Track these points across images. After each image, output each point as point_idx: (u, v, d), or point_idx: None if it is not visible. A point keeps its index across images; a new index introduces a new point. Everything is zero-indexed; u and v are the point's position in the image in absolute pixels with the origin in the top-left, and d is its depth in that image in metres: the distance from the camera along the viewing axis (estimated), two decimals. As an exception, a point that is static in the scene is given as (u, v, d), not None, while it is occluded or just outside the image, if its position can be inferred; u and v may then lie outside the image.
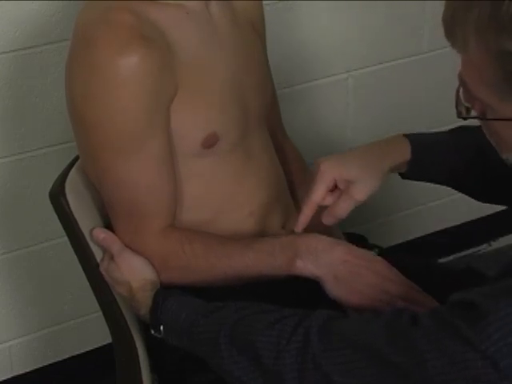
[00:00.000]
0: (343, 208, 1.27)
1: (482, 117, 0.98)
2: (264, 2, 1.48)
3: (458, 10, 0.94)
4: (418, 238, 2.40)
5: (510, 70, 0.89)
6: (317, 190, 1.27)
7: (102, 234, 1.32)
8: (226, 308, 1.17)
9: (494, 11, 0.88)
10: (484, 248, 2.53)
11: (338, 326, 1.05)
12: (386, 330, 0.99)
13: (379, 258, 1.27)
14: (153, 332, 1.24)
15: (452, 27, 0.96)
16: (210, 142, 1.29)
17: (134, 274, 1.28)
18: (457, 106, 1.02)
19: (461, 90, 0.99)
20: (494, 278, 0.98)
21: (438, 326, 0.94)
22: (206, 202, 1.34)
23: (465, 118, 1.01)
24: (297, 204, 1.49)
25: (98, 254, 1.33)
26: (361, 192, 1.26)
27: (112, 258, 1.30)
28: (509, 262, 0.99)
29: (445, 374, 0.93)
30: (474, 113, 1.00)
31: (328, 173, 1.27)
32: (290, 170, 1.52)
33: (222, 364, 1.13)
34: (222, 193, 1.35)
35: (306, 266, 1.24)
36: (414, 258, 1.54)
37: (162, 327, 1.22)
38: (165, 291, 1.25)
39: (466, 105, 0.99)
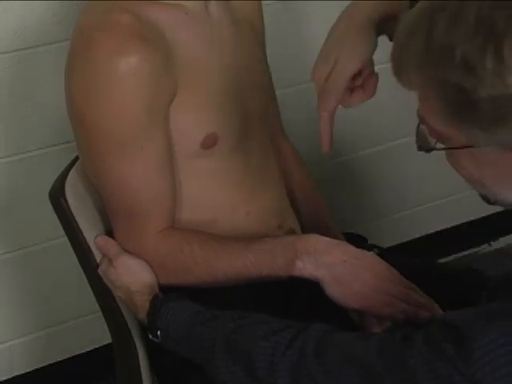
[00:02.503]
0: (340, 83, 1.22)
1: (438, 148, 0.97)
2: (264, 2, 1.48)
3: (399, 46, 0.94)
4: (418, 238, 2.40)
5: (454, 100, 0.88)
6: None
7: (102, 240, 1.32)
8: (223, 317, 1.16)
9: (427, 43, 0.88)
10: (484, 248, 2.54)
11: (334, 342, 1.04)
12: (379, 348, 0.98)
13: (379, 258, 1.27)
14: (150, 336, 1.24)
15: (396, 65, 0.95)
16: (209, 143, 1.29)
17: (132, 277, 1.28)
18: (416, 141, 1.02)
19: (421, 126, 1.00)
20: (498, 281, 0.98)
21: (428, 347, 0.94)
22: (205, 202, 1.34)
23: (427, 151, 1.01)
24: (295, 204, 1.49)
25: (97, 255, 1.33)
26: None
27: (110, 261, 1.30)
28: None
29: None
30: (433, 145, 0.99)
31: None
32: (289, 170, 1.52)
33: (218, 373, 1.13)
34: (221, 193, 1.35)
35: (305, 267, 1.23)
36: (413, 258, 1.54)
37: (159, 332, 1.22)
38: (162, 296, 1.25)
39: (431, 139, 0.98)
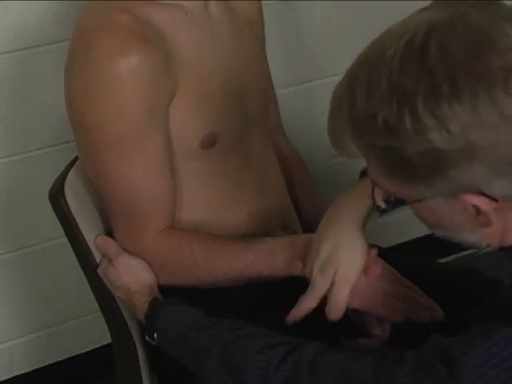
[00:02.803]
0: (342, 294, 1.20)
1: (395, 205, 0.99)
2: (264, 2, 1.48)
3: (331, 122, 1.00)
4: (418, 238, 2.40)
5: (388, 161, 0.91)
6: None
7: (101, 241, 1.32)
8: (220, 326, 1.16)
9: (352, 114, 0.92)
10: (484, 248, 2.53)
11: (329, 360, 1.04)
12: (373, 367, 0.99)
13: (378, 258, 1.27)
14: (147, 338, 1.24)
15: (333, 139, 1.01)
16: (208, 143, 1.29)
17: (132, 276, 1.28)
18: (374, 203, 1.04)
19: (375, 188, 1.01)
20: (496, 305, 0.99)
21: (420, 367, 0.95)
22: (205, 202, 1.34)
23: (383, 211, 1.04)
24: (296, 204, 1.49)
25: (97, 255, 1.33)
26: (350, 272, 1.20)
27: (110, 261, 1.30)
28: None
29: None
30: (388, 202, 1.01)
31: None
32: (289, 170, 1.52)
33: (210, 382, 1.13)
34: (221, 193, 1.35)
35: (305, 267, 1.24)
36: (413, 258, 1.54)
37: (155, 334, 1.22)
38: (161, 299, 1.25)
39: (388, 198, 1.00)
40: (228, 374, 1.10)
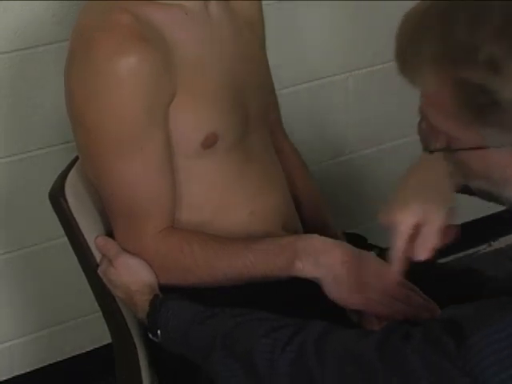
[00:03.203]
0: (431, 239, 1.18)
1: (447, 149, 0.96)
2: (264, 2, 1.48)
3: (409, 44, 0.92)
4: (418, 237, 2.40)
5: (467, 99, 0.87)
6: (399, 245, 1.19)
7: (102, 241, 1.32)
8: (222, 314, 1.17)
9: (445, 42, 0.87)
10: (484, 248, 2.53)
11: (334, 339, 1.04)
12: (379, 345, 0.98)
13: (378, 259, 1.27)
14: (150, 336, 1.24)
15: (403, 62, 0.94)
16: (209, 142, 1.29)
17: (132, 276, 1.28)
18: (421, 140, 1.00)
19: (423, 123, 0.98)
20: (499, 282, 0.98)
21: (427, 343, 0.94)
22: (205, 202, 1.34)
23: (431, 152, 0.99)
24: (296, 204, 1.49)
25: (97, 254, 1.33)
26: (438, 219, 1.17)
27: (110, 261, 1.30)
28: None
29: None
30: (438, 145, 0.98)
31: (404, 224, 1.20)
32: (290, 170, 1.52)
33: (217, 370, 1.13)
34: (221, 193, 1.35)
35: (305, 267, 1.24)
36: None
37: (159, 331, 1.22)
38: (162, 296, 1.25)
39: (428, 139, 0.98)
40: (235, 361, 1.10)
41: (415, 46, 0.90)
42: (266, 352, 1.06)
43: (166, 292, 1.28)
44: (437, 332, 0.93)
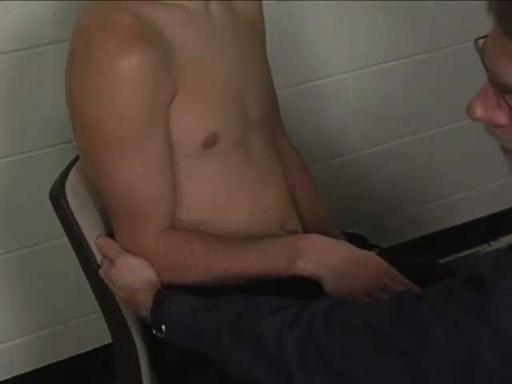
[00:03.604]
0: None
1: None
2: (264, 2, 1.48)
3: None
4: (418, 237, 2.40)
5: None
6: None
7: (102, 241, 1.32)
8: (227, 301, 1.17)
9: None
10: (484, 248, 2.53)
11: (342, 311, 1.04)
12: (391, 309, 0.98)
13: (379, 258, 1.27)
14: (154, 332, 1.24)
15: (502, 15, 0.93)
16: (210, 142, 1.29)
17: (134, 275, 1.28)
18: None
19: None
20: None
21: (443, 298, 0.94)
22: (206, 201, 1.34)
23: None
24: (296, 204, 1.49)
25: (98, 255, 1.33)
26: None
27: (111, 261, 1.30)
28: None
29: (444, 349, 0.93)
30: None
31: None
32: (290, 170, 1.52)
33: (226, 356, 1.13)
34: (222, 193, 1.35)
35: (306, 267, 1.24)
36: (413, 258, 1.54)
37: (163, 327, 1.22)
38: (165, 291, 1.26)
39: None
40: (244, 344, 1.10)
41: None
42: (274, 330, 1.07)
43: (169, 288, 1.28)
44: (453, 286, 0.93)
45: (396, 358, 0.97)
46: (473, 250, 2.51)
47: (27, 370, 2.01)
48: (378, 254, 1.29)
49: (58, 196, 1.33)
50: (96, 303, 1.40)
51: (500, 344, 0.90)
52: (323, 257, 1.24)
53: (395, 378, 0.98)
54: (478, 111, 0.97)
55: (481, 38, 0.97)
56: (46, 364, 2.03)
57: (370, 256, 1.28)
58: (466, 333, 0.91)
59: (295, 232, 1.42)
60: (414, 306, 0.96)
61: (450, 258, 2.43)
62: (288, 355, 1.05)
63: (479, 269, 0.94)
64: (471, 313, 0.91)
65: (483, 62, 0.95)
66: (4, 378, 1.98)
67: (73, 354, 2.05)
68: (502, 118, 0.97)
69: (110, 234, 1.34)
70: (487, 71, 0.94)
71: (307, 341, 1.04)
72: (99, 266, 1.32)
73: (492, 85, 0.95)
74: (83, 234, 1.32)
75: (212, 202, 1.34)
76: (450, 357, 0.93)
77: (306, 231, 1.46)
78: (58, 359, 2.04)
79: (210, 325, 1.15)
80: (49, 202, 1.35)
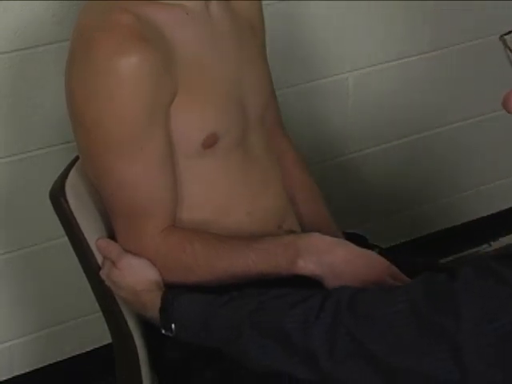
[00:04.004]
0: None
1: None
2: (264, 2, 1.48)
3: None
4: (418, 237, 2.40)
5: None
6: None
7: (103, 243, 1.32)
8: (241, 297, 1.17)
9: None
10: (484, 248, 2.54)
11: (367, 296, 1.04)
12: (424, 288, 0.98)
13: (380, 257, 1.27)
14: (163, 331, 1.23)
15: None
16: (210, 142, 1.29)
17: (137, 276, 1.28)
18: None
19: None
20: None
21: (478, 276, 0.94)
22: (205, 201, 1.34)
23: None
24: (296, 204, 1.49)
25: (98, 255, 1.33)
26: None
27: (113, 263, 1.30)
28: None
29: (478, 326, 0.92)
30: None
31: None
32: (290, 170, 1.52)
33: (244, 351, 1.12)
34: (221, 193, 1.35)
35: (307, 266, 1.24)
36: (414, 257, 1.54)
37: (173, 325, 1.21)
38: (173, 290, 1.25)
39: None
40: (267, 337, 1.09)
41: None
42: (299, 322, 1.06)
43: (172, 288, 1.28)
44: (488, 265, 0.93)
45: (433, 335, 0.95)
46: (473, 250, 2.51)
47: (27, 370, 2.01)
48: (378, 254, 1.29)
49: (58, 196, 1.33)
50: (96, 303, 1.40)
51: None
52: (324, 256, 1.24)
53: (434, 353, 0.96)
54: None
55: (505, 34, 0.96)
56: (45, 364, 2.03)
57: (372, 255, 1.28)
58: (501, 308, 0.91)
59: (293, 231, 1.42)
60: (447, 285, 0.95)
61: (450, 258, 2.43)
62: (315, 344, 1.04)
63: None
64: (508, 285, 0.90)
65: None
66: (4, 378, 1.98)
67: (73, 354, 2.05)
68: None
69: (111, 234, 1.34)
70: None
71: (335, 328, 1.02)
72: (99, 267, 1.32)
73: None
74: (83, 234, 1.32)
75: (212, 202, 1.35)
76: (484, 333, 0.92)
77: (305, 231, 1.46)
78: (58, 359, 2.04)
79: (226, 321, 1.15)
80: (49, 202, 1.35)
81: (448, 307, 0.95)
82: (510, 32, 0.96)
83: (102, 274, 1.31)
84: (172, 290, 1.25)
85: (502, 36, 0.95)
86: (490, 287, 0.92)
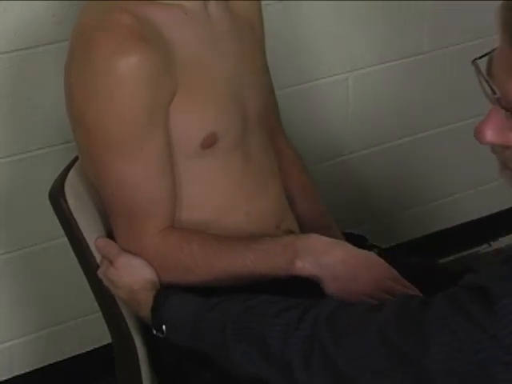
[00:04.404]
0: None
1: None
2: (264, 2, 1.48)
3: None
4: (418, 238, 2.40)
5: None
6: None
7: (102, 242, 1.32)
8: (230, 300, 1.17)
9: None
10: (484, 248, 2.54)
11: (346, 313, 1.04)
12: (397, 314, 0.98)
13: (379, 258, 1.27)
14: (155, 332, 1.23)
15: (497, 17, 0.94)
16: (209, 143, 1.29)
17: (133, 275, 1.28)
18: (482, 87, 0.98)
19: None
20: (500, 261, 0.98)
21: (449, 310, 0.94)
22: (205, 202, 1.34)
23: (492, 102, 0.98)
24: (295, 205, 1.49)
25: (97, 255, 1.33)
26: None
27: (110, 262, 1.30)
28: None
29: (449, 361, 0.93)
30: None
31: None
32: (289, 170, 1.52)
33: (230, 356, 1.13)
34: (221, 193, 1.35)
35: (305, 267, 1.24)
36: (413, 258, 1.54)
37: (164, 326, 1.22)
38: (166, 290, 1.26)
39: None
40: (249, 344, 1.10)
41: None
42: (280, 332, 1.07)
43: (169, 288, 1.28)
44: (460, 298, 0.93)
45: (400, 365, 0.97)
46: (473, 250, 2.51)
47: (27, 370, 2.01)
48: (378, 254, 1.29)
49: (57, 196, 1.33)
50: (96, 303, 1.40)
51: (508, 358, 0.90)
52: (322, 257, 1.24)
53: (399, 379, 0.98)
54: (489, 135, 0.96)
55: (478, 58, 0.96)
56: (46, 364, 2.03)
57: (371, 256, 1.28)
58: (472, 347, 0.91)
59: (291, 232, 1.42)
60: (420, 313, 0.96)
61: (450, 257, 2.43)
62: (292, 354, 1.05)
63: (484, 279, 0.93)
64: (477, 327, 0.91)
65: (488, 82, 0.94)
66: (4, 378, 1.98)
67: (73, 354, 2.05)
68: None
69: (110, 234, 1.34)
70: (494, 93, 0.94)
71: (312, 341, 1.04)
72: (98, 267, 1.32)
73: (501, 106, 0.94)
74: (82, 234, 1.32)
75: (212, 202, 1.35)
76: (456, 370, 0.93)
77: (304, 231, 1.46)
78: (58, 359, 2.04)
79: (213, 325, 1.15)
80: (49, 202, 1.35)
81: (419, 337, 0.95)
82: (482, 56, 0.96)
83: (99, 272, 1.32)
84: (165, 291, 1.25)
85: (474, 60, 0.95)
86: (461, 324, 0.92)
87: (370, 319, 1.01)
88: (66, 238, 1.37)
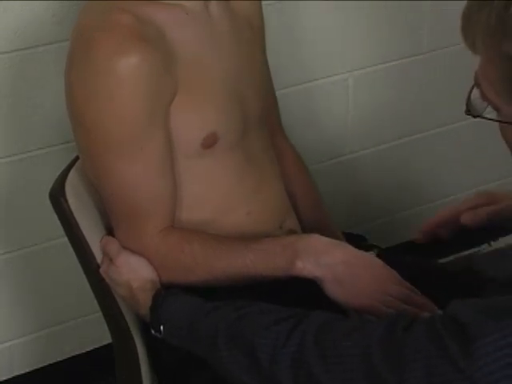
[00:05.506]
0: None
1: (491, 119, 0.98)
2: (264, 2, 1.48)
3: (471, 9, 0.95)
4: (418, 238, 2.40)
5: (509, 74, 0.90)
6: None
7: (104, 240, 1.32)
8: (225, 307, 1.17)
9: (502, 14, 0.90)
10: (484, 248, 2.53)
11: (333, 331, 1.04)
12: (381, 338, 0.99)
13: (378, 259, 1.27)
14: (153, 332, 1.24)
15: (465, 25, 0.97)
16: (209, 142, 1.29)
17: (133, 273, 1.28)
18: (467, 103, 1.02)
19: (474, 89, 1.00)
20: (500, 283, 0.98)
21: (428, 339, 0.94)
22: (205, 201, 1.34)
23: (474, 117, 1.02)
24: (295, 204, 1.49)
25: (98, 255, 1.33)
26: None
27: (111, 260, 1.30)
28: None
29: None
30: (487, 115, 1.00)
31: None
32: (289, 170, 1.52)
33: (222, 363, 1.13)
34: (221, 193, 1.35)
35: (305, 267, 1.24)
36: (413, 258, 1.54)
37: (162, 327, 1.22)
38: (165, 291, 1.26)
39: (480, 107, 1.00)
40: (239, 353, 1.11)
41: (475, 12, 0.94)
42: (268, 346, 1.07)
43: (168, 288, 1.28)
44: (441, 332, 0.93)
45: None
46: (473, 250, 2.51)
47: (27, 370, 2.01)
48: (378, 254, 1.30)
49: (57, 196, 1.33)
50: (96, 303, 1.40)
51: None
52: (323, 257, 1.24)
53: None
54: None
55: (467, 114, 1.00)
56: (46, 364, 2.03)
57: (372, 258, 1.28)
58: (444, 383, 0.92)
59: (293, 232, 1.42)
60: (400, 340, 0.96)
61: (450, 258, 2.43)
62: (280, 371, 1.06)
63: (466, 314, 0.93)
64: (453, 365, 0.90)
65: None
66: (4, 378, 1.98)
67: (73, 354, 2.05)
68: None
69: (110, 233, 1.34)
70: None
71: (298, 360, 1.04)
72: (99, 266, 1.32)
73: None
74: (83, 234, 1.32)
75: (212, 202, 1.35)
76: None
77: (305, 231, 1.46)
78: (58, 359, 2.04)
79: (208, 330, 1.15)
80: (49, 202, 1.35)
81: (396, 363, 0.95)
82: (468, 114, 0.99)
83: (101, 270, 1.32)
84: (163, 291, 1.25)
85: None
86: (438, 359, 0.92)
87: (356, 341, 1.01)
88: (66, 238, 1.37)
